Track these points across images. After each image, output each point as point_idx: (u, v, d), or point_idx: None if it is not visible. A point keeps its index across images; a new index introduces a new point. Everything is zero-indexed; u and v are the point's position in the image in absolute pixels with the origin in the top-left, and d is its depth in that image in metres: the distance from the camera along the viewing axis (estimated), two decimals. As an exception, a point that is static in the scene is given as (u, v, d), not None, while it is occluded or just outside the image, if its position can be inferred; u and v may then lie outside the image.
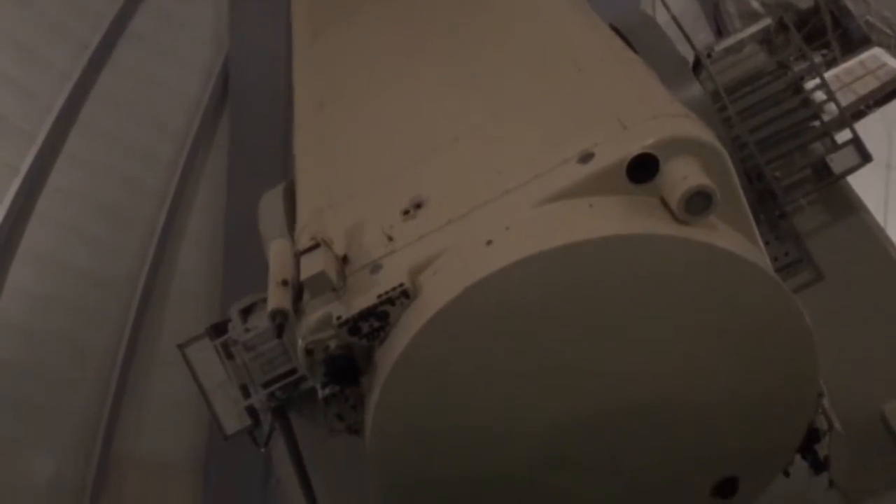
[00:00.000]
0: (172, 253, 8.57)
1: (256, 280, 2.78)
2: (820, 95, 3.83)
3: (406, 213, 2.39)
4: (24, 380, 7.29)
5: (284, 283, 2.24)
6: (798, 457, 2.62)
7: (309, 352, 2.22)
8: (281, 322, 2.19)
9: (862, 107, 8.19)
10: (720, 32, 9.29)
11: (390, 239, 2.33)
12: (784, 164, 3.76)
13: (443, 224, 2.30)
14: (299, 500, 3.31)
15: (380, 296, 2.19)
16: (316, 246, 2.27)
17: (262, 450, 3.50)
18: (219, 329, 3.31)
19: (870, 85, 8.31)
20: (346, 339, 2.20)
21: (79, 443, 7.62)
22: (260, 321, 3.12)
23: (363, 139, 2.98)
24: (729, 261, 2.17)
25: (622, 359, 2.22)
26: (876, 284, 3.89)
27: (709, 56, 3.82)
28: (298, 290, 2.26)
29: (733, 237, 2.26)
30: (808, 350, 2.34)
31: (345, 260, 2.32)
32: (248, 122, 8.84)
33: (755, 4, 9.74)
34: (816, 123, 3.78)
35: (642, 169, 2.19)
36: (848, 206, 3.99)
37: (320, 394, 2.31)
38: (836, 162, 3.83)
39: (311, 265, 2.23)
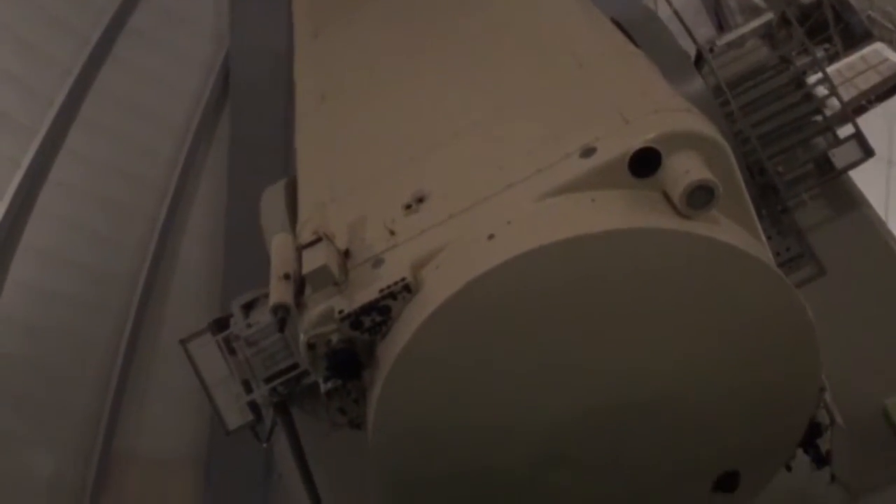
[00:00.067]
0: (173, 248, 8.56)
1: (257, 275, 2.78)
2: (822, 90, 3.84)
3: (408, 207, 2.39)
4: (25, 375, 7.29)
5: (286, 277, 2.24)
6: (800, 451, 2.62)
7: (311, 346, 2.22)
8: (283, 316, 2.19)
9: (863, 102, 8.18)
10: (721, 27, 9.27)
11: (392, 233, 2.33)
12: (786, 159, 3.76)
13: (445, 218, 2.30)
14: (301, 494, 3.31)
15: (382, 290, 2.19)
16: (318, 240, 2.27)
17: (265, 445, 3.50)
18: (221, 324, 3.30)
19: (871, 80, 8.29)
20: (348, 334, 2.20)
21: (79, 439, 7.62)
22: (262, 316, 3.12)
23: (365, 134, 2.98)
24: (731, 255, 2.17)
25: (624, 353, 2.22)
26: (878, 279, 3.90)
27: (711, 51, 3.82)
28: (300, 285, 2.26)
29: (736, 231, 2.25)
30: (811, 345, 2.34)
31: (347, 254, 2.32)
32: (249, 117, 8.83)
33: (757, -1, 9.72)
34: (818, 118, 3.78)
35: (644, 163, 2.19)
36: (850, 201, 4.00)
37: (322, 388, 2.31)
38: (839, 157, 3.83)
39: (313, 259, 2.22)
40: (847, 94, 7.28)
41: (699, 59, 3.82)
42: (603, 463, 2.36)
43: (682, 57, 3.56)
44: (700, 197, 2.13)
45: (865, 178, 4.16)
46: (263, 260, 2.47)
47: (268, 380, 3.05)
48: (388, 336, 2.21)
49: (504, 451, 2.30)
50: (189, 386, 3.63)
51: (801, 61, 3.83)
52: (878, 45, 8.72)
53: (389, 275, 2.21)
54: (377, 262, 2.27)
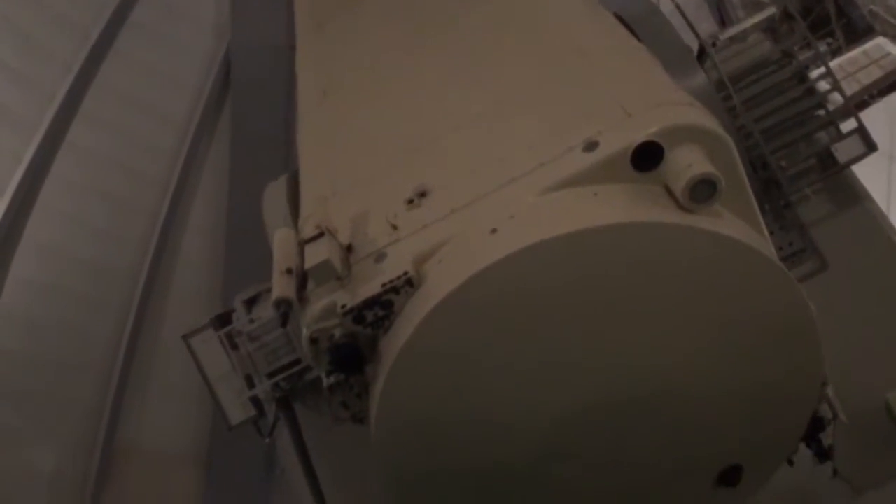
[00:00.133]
0: (175, 243, 8.56)
1: (259, 270, 2.78)
2: (824, 85, 3.83)
3: (410, 202, 2.39)
4: (27, 370, 7.29)
5: (289, 271, 2.24)
6: (802, 446, 2.62)
7: (313, 340, 2.22)
8: (285, 311, 2.19)
9: (865, 97, 8.17)
10: (723, 22, 9.26)
11: (394, 228, 2.33)
12: (789, 154, 3.76)
13: (447, 213, 2.30)
14: (304, 489, 3.31)
15: (384, 284, 2.19)
16: (320, 235, 2.27)
17: (267, 440, 3.50)
18: (223, 319, 3.30)
19: (873, 75, 8.28)
20: (351, 328, 2.20)
21: (81, 434, 7.63)
22: (264, 311, 3.12)
23: (367, 128, 2.98)
24: (734, 249, 2.17)
25: (627, 348, 2.22)
26: (880, 274, 3.89)
27: (713, 45, 3.81)
28: (303, 279, 2.26)
29: (738, 225, 2.25)
30: (813, 339, 2.33)
31: (349, 249, 2.32)
32: (251, 111, 8.83)
33: (758, -7, 9.69)
34: (821, 112, 3.77)
35: (647, 157, 2.18)
36: (853, 196, 3.99)
37: (325, 382, 2.31)
38: (841, 151, 3.82)
39: (316, 254, 2.22)
40: (849, 88, 7.28)
41: (701, 54, 3.81)
42: (605, 457, 2.36)
43: (684, 51, 3.55)
44: (703, 191, 2.12)
45: (867, 173, 4.16)
46: (265, 255, 2.47)
47: (270, 375, 3.05)
48: (390, 330, 2.21)
49: (507, 445, 2.30)
50: (191, 381, 3.63)
51: (803, 56, 3.82)
52: (881, 40, 8.71)
53: (392, 269, 2.21)
54: (380, 256, 2.27)
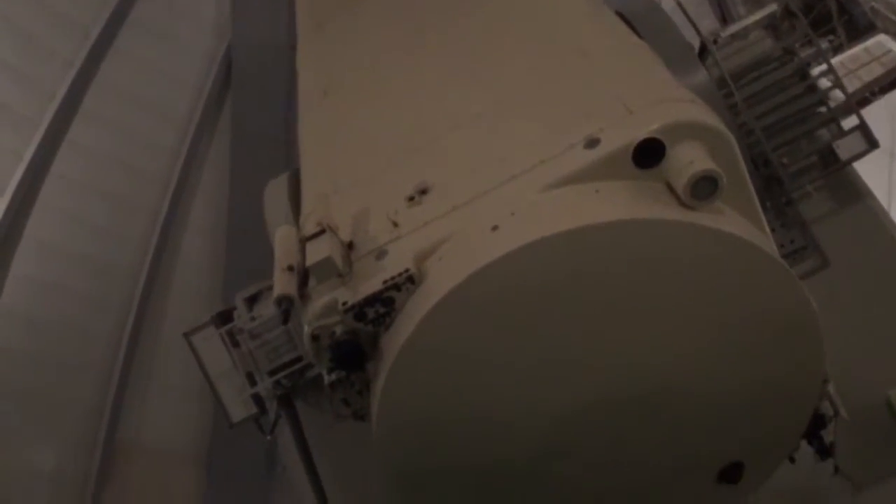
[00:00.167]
0: (175, 241, 8.56)
1: (260, 268, 2.78)
2: (826, 82, 3.83)
3: (411, 199, 2.38)
4: (27, 369, 7.30)
5: (290, 269, 2.24)
6: (803, 443, 2.62)
7: (315, 337, 2.22)
8: (286, 308, 2.19)
9: (867, 94, 8.17)
10: (724, 19, 9.25)
11: (395, 225, 2.33)
12: (790, 151, 3.76)
13: (448, 210, 2.29)
14: (305, 487, 3.31)
15: (385, 281, 2.19)
16: (321, 232, 2.27)
17: (268, 438, 3.50)
18: (224, 317, 3.30)
19: (875, 72, 8.28)
20: (352, 325, 2.20)
21: (82, 432, 7.63)
22: (265, 309, 3.11)
23: (368, 127, 2.97)
24: (735, 246, 2.17)
25: (628, 345, 2.22)
26: (882, 271, 3.90)
27: (714, 42, 3.81)
28: (304, 276, 2.26)
29: (740, 222, 2.25)
30: (815, 336, 2.33)
31: (350, 246, 2.31)
32: (251, 109, 8.83)
33: (759, -10, 9.68)
34: (823, 109, 3.77)
35: (648, 154, 2.18)
36: (854, 193, 3.99)
37: (326, 379, 2.31)
38: (843, 148, 3.82)
39: (317, 251, 2.22)
40: (850, 85, 7.26)
41: (703, 51, 3.80)
42: (606, 455, 2.36)
43: (685, 48, 3.55)
44: (704, 187, 2.12)
45: (868, 171, 4.16)
46: (265, 253, 2.47)
47: (271, 372, 3.04)
48: (391, 327, 2.21)
49: (507, 442, 2.30)
50: (191, 379, 3.63)
51: (805, 53, 3.82)
52: (882, 37, 8.71)
53: (393, 266, 2.21)
54: (381, 253, 2.27)
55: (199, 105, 8.78)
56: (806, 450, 2.65)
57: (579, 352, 2.20)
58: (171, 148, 8.56)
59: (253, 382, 3.14)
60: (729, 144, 2.25)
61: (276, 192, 3.12)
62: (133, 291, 8.09)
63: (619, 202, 2.17)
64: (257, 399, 3.26)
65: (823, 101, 3.76)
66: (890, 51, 8.45)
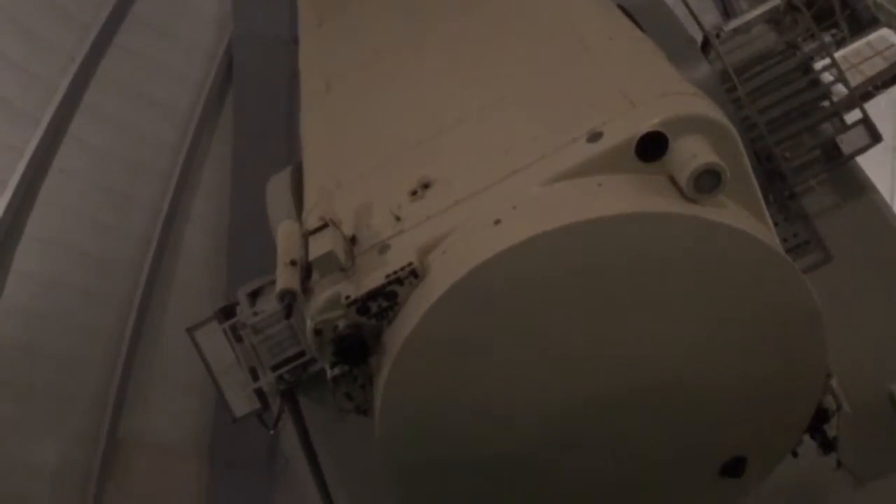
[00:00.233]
0: (177, 236, 8.56)
1: (262, 263, 2.78)
2: (828, 76, 3.82)
3: (414, 193, 2.38)
4: (30, 364, 7.31)
5: (293, 263, 2.24)
6: (806, 437, 2.62)
7: (318, 332, 2.23)
8: (290, 302, 2.19)
9: (870, 88, 8.14)
10: (727, 13, 9.22)
11: (398, 219, 2.33)
12: (793, 145, 3.75)
13: (450, 204, 2.29)
14: (308, 481, 3.31)
15: (388, 275, 2.19)
16: (324, 226, 2.27)
17: (271, 432, 3.51)
18: (227, 312, 3.30)
19: (877, 66, 8.23)
20: (355, 319, 2.20)
21: (85, 426, 7.65)
22: (268, 304, 3.11)
23: (370, 121, 2.97)
24: (738, 239, 2.16)
25: (629, 339, 2.22)
26: (884, 265, 3.89)
27: (717, 36, 3.80)
28: (307, 271, 2.26)
29: (743, 216, 2.25)
30: (817, 330, 2.33)
31: (353, 240, 2.31)
32: (253, 105, 8.81)
33: (762, -15, 9.65)
34: (826, 104, 3.76)
35: (651, 147, 2.18)
36: (857, 187, 3.99)
37: (329, 374, 2.31)
38: (846, 142, 3.82)
39: (320, 245, 2.22)
40: (853, 80, 7.24)
41: (706, 45, 3.80)
42: (608, 448, 2.36)
43: (688, 42, 3.54)
44: (707, 181, 2.12)
45: (871, 165, 4.15)
46: (268, 248, 2.47)
47: (274, 367, 3.05)
48: (394, 321, 2.21)
49: (510, 435, 2.30)
50: (194, 374, 3.63)
51: (808, 47, 3.81)
52: (885, 31, 8.66)
53: (396, 260, 2.21)
54: (383, 247, 2.27)
55: (200, 100, 8.76)
56: (809, 444, 2.65)
57: (582, 345, 2.20)
58: (173, 143, 8.54)
59: (256, 377, 3.15)
60: (732, 138, 2.25)
61: (278, 187, 3.11)
62: (135, 286, 8.10)
63: (622, 196, 2.16)
64: (260, 394, 3.27)
65: (826, 95, 3.75)
66: (893, 45, 8.40)
